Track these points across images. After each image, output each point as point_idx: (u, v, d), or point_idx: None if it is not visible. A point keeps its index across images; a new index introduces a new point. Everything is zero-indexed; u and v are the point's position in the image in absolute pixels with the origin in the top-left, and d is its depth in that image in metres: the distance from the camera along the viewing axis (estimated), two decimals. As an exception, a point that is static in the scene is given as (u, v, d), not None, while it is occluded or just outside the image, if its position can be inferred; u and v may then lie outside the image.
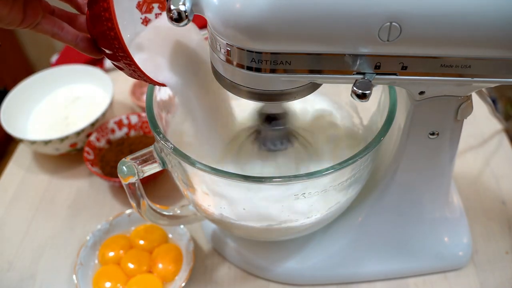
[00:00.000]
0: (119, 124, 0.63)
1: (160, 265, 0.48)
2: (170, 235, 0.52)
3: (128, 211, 0.52)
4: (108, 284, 0.47)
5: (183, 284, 0.46)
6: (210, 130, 0.40)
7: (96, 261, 0.50)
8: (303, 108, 0.48)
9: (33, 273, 0.51)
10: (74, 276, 0.47)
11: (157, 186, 0.60)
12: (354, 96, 0.29)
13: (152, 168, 0.38)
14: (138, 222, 0.52)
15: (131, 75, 0.34)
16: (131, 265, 0.48)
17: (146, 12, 0.38)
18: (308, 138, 0.44)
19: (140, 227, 0.52)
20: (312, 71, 0.30)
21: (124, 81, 0.76)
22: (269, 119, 0.41)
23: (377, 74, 0.30)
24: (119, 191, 0.60)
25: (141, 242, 0.50)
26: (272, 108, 0.40)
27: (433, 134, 0.38)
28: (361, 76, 0.30)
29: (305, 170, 0.41)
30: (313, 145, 0.44)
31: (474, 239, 0.51)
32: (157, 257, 0.49)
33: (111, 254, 0.50)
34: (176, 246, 0.50)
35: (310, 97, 0.34)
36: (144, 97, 0.70)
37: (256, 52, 0.28)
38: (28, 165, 0.65)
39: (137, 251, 0.50)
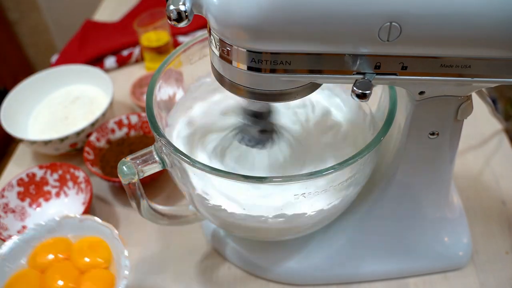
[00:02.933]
0: (119, 124, 0.63)
1: None
2: (114, 258, 0.43)
3: (79, 216, 0.44)
4: None
5: None
6: None
7: (24, 261, 0.42)
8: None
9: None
10: None
11: (157, 186, 0.60)
12: (354, 96, 0.29)
13: (152, 168, 0.38)
14: (89, 231, 0.44)
15: None
16: (57, 278, 0.41)
17: None
18: (300, 135, 0.44)
19: (86, 239, 0.44)
20: (312, 71, 0.30)
21: (124, 81, 0.77)
22: (252, 115, 0.41)
23: (377, 74, 0.30)
24: (119, 191, 0.60)
25: (86, 259, 0.42)
26: (256, 104, 0.40)
27: (433, 134, 0.38)
28: (361, 76, 0.30)
29: (298, 169, 0.41)
30: (305, 144, 0.44)
31: (474, 239, 0.51)
32: (87, 282, 0.41)
33: (47, 257, 0.42)
34: (112, 276, 0.41)
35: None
36: (144, 97, 0.70)
37: (256, 52, 0.28)
38: (28, 165, 0.65)
39: (66, 267, 0.42)
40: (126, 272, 0.40)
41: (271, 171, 0.41)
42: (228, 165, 0.42)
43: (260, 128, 0.42)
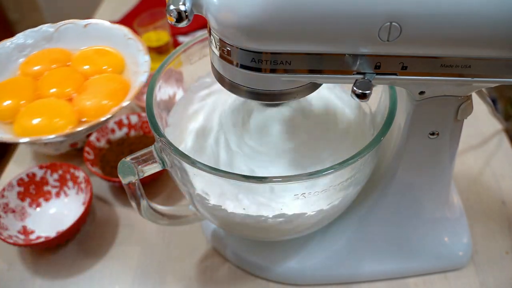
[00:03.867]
0: (119, 124, 0.63)
1: (88, 96, 0.33)
2: (128, 65, 0.36)
3: (84, 22, 0.36)
4: (7, 101, 0.32)
5: (102, 119, 0.31)
6: None
7: (14, 70, 0.36)
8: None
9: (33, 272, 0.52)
10: None
11: (157, 186, 0.60)
12: (354, 96, 0.29)
13: (152, 168, 0.38)
14: (95, 40, 0.36)
15: None
16: (51, 85, 0.34)
17: None
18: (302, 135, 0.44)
19: (92, 48, 0.36)
20: (312, 71, 0.30)
21: (124, 81, 0.77)
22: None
23: (377, 74, 0.30)
24: (119, 191, 0.60)
25: (85, 67, 0.35)
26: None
27: (433, 134, 0.38)
28: (361, 76, 0.30)
29: (299, 169, 0.41)
30: (307, 144, 0.44)
31: (474, 239, 0.51)
32: (91, 86, 0.33)
33: (37, 67, 0.35)
34: (126, 82, 0.34)
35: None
36: (144, 97, 0.70)
37: (256, 52, 0.28)
38: (28, 165, 0.65)
39: (67, 71, 0.35)
40: (146, 68, 0.33)
41: (275, 168, 0.41)
42: (249, 145, 0.41)
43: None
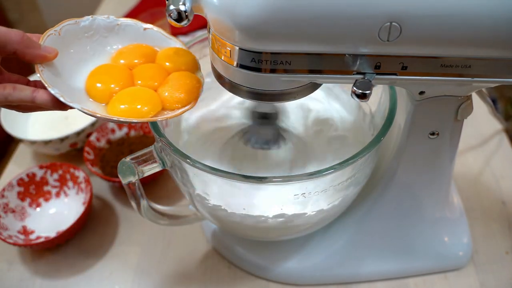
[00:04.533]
0: (119, 124, 0.63)
1: (170, 89, 0.36)
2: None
3: (144, 25, 0.40)
4: (108, 84, 0.36)
5: (175, 113, 0.35)
6: None
7: (108, 56, 0.39)
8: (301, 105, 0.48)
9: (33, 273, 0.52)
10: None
11: (157, 186, 0.60)
12: (354, 96, 0.29)
13: (152, 168, 0.38)
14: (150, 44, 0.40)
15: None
16: (144, 77, 0.37)
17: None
18: (302, 136, 0.44)
19: (171, 49, 0.40)
20: (312, 71, 0.30)
21: (124, 81, 0.77)
22: (260, 117, 0.41)
23: (377, 74, 0.30)
24: (119, 191, 0.60)
25: (167, 64, 0.38)
26: (264, 106, 0.40)
27: (433, 134, 0.38)
28: (361, 76, 0.30)
29: (300, 169, 0.41)
30: (308, 144, 0.44)
31: (474, 239, 0.51)
32: (172, 80, 0.37)
33: (130, 59, 0.38)
34: (199, 80, 0.38)
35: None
36: (144, 97, 0.70)
37: (256, 52, 0.28)
38: (28, 165, 0.65)
39: (157, 66, 0.38)
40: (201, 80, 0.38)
41: (277, 171, 0.41)
42: (234, 166, 0.42)
43: (266, 129, 0.42)
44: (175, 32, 0.83)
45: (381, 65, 0.30)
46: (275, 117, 0.41)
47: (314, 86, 0.33)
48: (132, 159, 0.38)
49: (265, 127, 0.42)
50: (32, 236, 0.53)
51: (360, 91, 0.29)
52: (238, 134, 0.44)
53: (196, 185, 0.39)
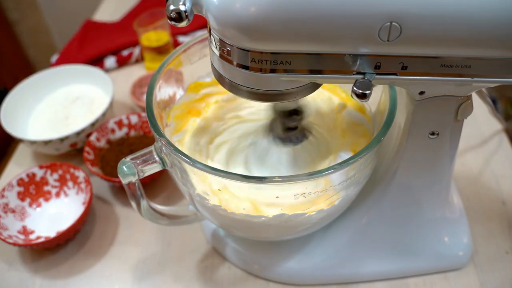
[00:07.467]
0: (119, 124, 0.63)
1: None
2: None
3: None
4: None
5: None
6: None
7: None
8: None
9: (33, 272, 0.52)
10: None
11: (157, 186, 0.60)
12: (354, 96, 0.29)
13: (152, 168, 0.38)
14: None
15: None
16: None
17: None
18: (323, 132, 0.44)
19: None
20: (312, 71, 0.30)
21: (124, 81, 0.77)
22: (284, 114, 0.41)
23: (377, 74, 0.30)
24: (119, 191, 0.60)
25: None
26: (284, 104, 0.40)
27: (433, 134, 0.38)
28: (361, 76, 0.30)
29: (321, 165, 0.41)
30: (328, 138, 0.43)
31: (474, 239, 0.51)
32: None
33: None
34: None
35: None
36: (144, 97, 0.70)
37: (256, 52, 0.28)
38: (28, 165, 0.65)
39: None
40: None
41: (296, 169, 0.41)
42: (252, 166, 0.42)
43: (289, 126, 0.41)
44: (175, 32, 0.83)
45: (381, 65, 0.30)
46: (301, 113, 0.41)
47: (314, 86, 0.33)
48: (132, 159, 0.38)
49: (290, 123, 0.41)
50: (32, 236, 0.53)
51: (360, 91, 0.29)
52: (259, 131, 0.44)
53: (196, 185, 0.39)
